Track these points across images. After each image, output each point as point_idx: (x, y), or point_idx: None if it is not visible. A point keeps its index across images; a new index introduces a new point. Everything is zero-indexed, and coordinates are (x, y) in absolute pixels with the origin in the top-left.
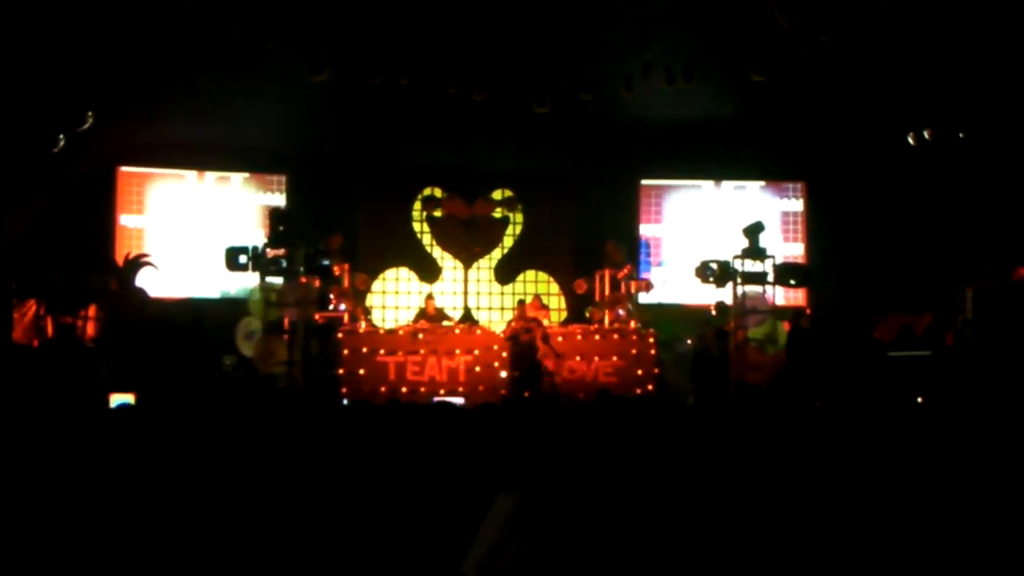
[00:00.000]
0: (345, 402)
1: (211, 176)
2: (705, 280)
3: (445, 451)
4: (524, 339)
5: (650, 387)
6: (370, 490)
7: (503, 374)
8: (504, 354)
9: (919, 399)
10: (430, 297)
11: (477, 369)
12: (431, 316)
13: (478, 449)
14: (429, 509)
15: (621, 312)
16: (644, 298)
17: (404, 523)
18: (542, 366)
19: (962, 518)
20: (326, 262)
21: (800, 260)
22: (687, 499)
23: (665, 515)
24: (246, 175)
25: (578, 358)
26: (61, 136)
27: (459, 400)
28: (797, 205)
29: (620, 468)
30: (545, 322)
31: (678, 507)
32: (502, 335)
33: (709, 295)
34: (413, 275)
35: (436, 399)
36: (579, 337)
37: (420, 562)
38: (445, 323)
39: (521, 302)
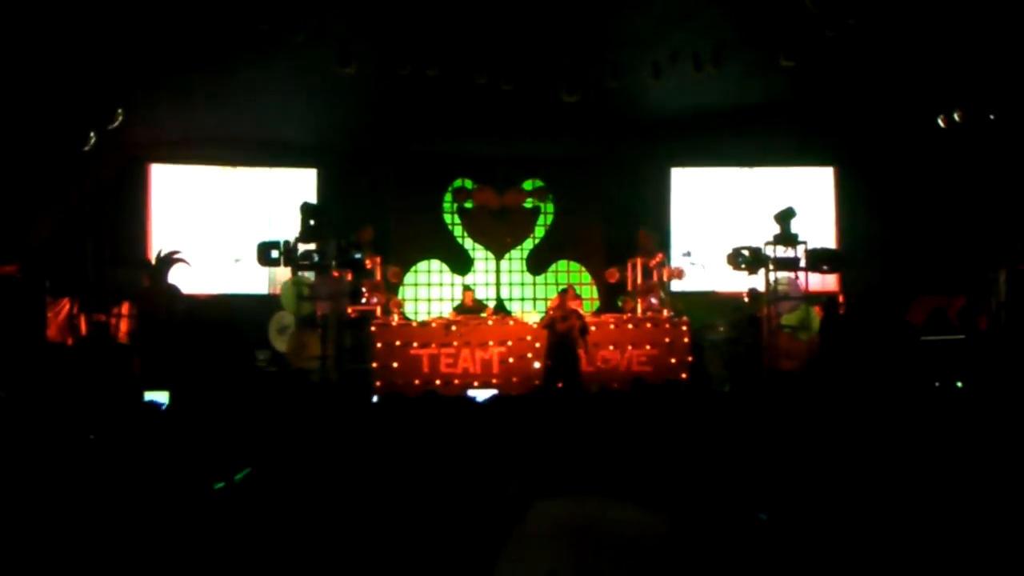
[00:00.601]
0: (375, 398)
1: (242, 171)
2: (737, 267)
3: (472, 445)
4: (561, 328)
5: (684, 375)
6: (398, 484)
7: (536, 365)
8: (537, 344)
9: (959, 383)
10: (468, 289)
11: (511, 360)
12: (469, 308)
13: (507, 443)
14: (455, 504)
15: (654, 300)
16: (676, 286)
17: (430, 518)
18: (576, 356)
19: (994, 502)
20: (358, 255)
21: (832, 246)
22: (719, 486)
23: (702, 504)
24: (277, 170)
25: (611, 347)
26: (92, 134)
27: (493, 392)
28: (829, 190)
29: (654, 457)
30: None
31: (712, 495)
32: (539, 324)
33: (741, 282)
34: (445, 267)
35: (470, 391)
36: (612, 326)
37: (445, 557)
38: (483, 315)
39: (563, 291)
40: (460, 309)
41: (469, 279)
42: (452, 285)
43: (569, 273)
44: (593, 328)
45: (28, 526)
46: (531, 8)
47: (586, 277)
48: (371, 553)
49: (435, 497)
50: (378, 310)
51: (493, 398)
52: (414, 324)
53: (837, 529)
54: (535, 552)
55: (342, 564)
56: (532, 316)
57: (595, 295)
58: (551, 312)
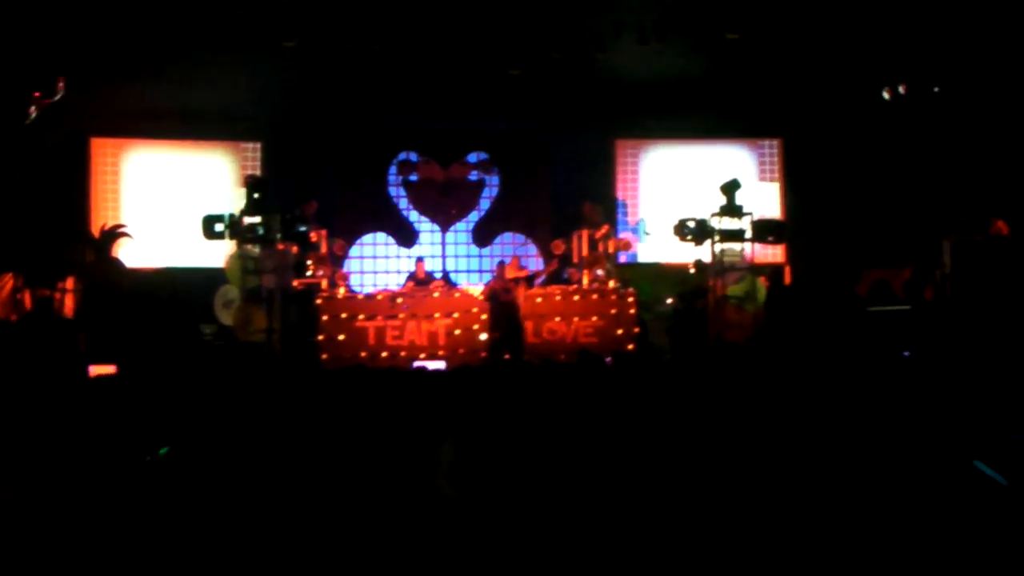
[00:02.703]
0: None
1: (185, 145)
2: (683, 238)
3: (418, 414)
4: (504, 299)
5: (630, 347)
6: (347, 454)
7: (483, 336)
8: (484, 316)
9: (905, 353)
10: (420, 260)
11: (457, 332)
12: (421, 280)
13: (454, 411)
14: (392, 467)
15: (600, 272)
16: (622, 258)
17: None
18: (521, 325)
19: (946, 469)
20: (303, 228)
21: (778, 217)
22: (662, 456)
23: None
24: (221, 143)
25: (558, 319)
26: (32, 107)
27: (440, 364)
28: (774, 161)
29: (594, 423)
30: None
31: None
32: (480, 296)
33: (687, 253)
34: (391, 239)
35: (416, 363)
36: (558, 298)
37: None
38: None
39: (501, 263)
40: (412, 279)
41: (415, 252)
42: (398, 258)
43: (515, 245)
44: (539, 299)
45: None
46: None
47: (531, 249)
48: (313, 521)
49: (374, 463)
50: (324, 283)
51: (436, 371)
52: (360, 297)
53: (782, 500)
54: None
55: (284, 533)
56: (478, 288)
57: (540, 267)
58: (492, 285)
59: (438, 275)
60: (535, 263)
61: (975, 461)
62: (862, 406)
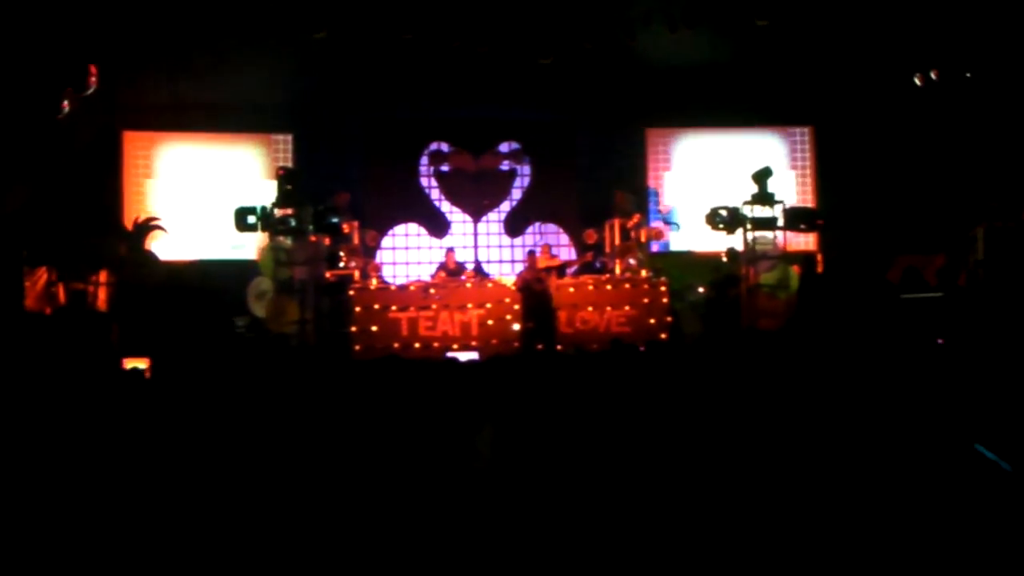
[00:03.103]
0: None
1: (217, 138)
2: (715, 227)
3: (453, 404)
4: (536, 289)
5: (663, 336)
6: (381, 444)
7: (516, 327)
8: (516, 307)
9: (939, 341)
10: (450, 251)
11: (490, 323)
12: (452, 270)
13: (488, 401)
14: (429, 457)
15: (632, 261)
16: (654, 246)
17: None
18: (555, 316)
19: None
20: (335, 220)
21: (809, 205)
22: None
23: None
24: (252, 135)
25: (590, 308)
26: (66, 101)
27: (473, 355)
28: (805, 149)
29: (628, 411)
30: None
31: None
32: (513, 286)
33: (720, 242)
34: (423, 230)
35: (449, 354)
36: (591, 287)
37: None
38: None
39: (531, 252)
40: (445, 271)
41: (447, 242)
42: (430, 248)
43: (547, 235)
44: (571, 289)
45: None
46: None
47: (564, 239)
48: (349, 512)
49: (408, 453)
50: (356, 274)
51: (470, 362)
52: (392, 288)
53: (816, 489)
54: None
55: (318, 523)
56: (510, 278)
57: (573, 256)
58: (524, 275)
59: (470, 266)
60: (566, 252)
61: (977, 445)
62: (894, 394)
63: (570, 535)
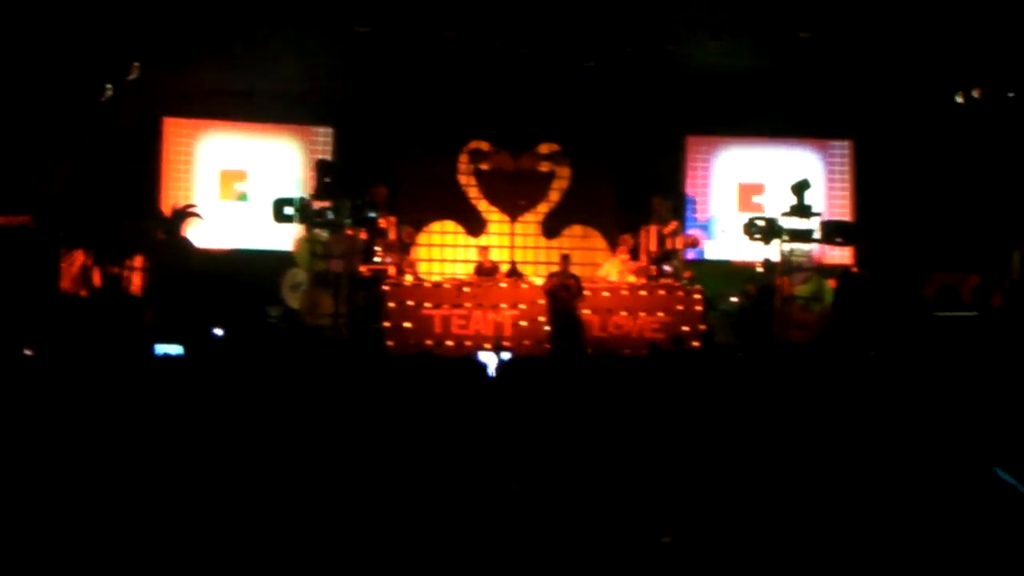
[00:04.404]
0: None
1: (257, 128)
2: (751, 237)
3: (483, 404)
4: (563, 295)
5: (696, 343)
6: (403, 446)
7: (548, 328)
8: None
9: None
10: (485, 249)
11: (523, 323)
12: (487, 269)
13: (516, 404)
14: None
15: (667, 268)
16: (690, 254)
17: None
18: (580, 322)
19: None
20: (372, 214)
21: (847, 218)
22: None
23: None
24: (292, 127)
25: (624, 313)
26: (108, 86)
27: (505, 355)
28: (844, 163)
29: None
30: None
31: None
32: (542, 289)
33: (755, 252)
34: (459, 228)
35: (481, 353)
36: (625, 292)
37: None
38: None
39: (565, 256)
40: (479, 270)
41: (483, 241)
42: (466, 247)
43: (584, 238)
44: (605, 293)
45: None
46: None
47: (600, 243)
48: (372, 507)
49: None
50: (391, 269)
51: (503, 362)
52: (427, 284)
53: (843, 502)
54: None
55: (342, 517)
56: (541, 279)
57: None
58: (554, 279)
59: (504, 266)
60: (601, 256)
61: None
62: (918, 411)
63: (596, 541)
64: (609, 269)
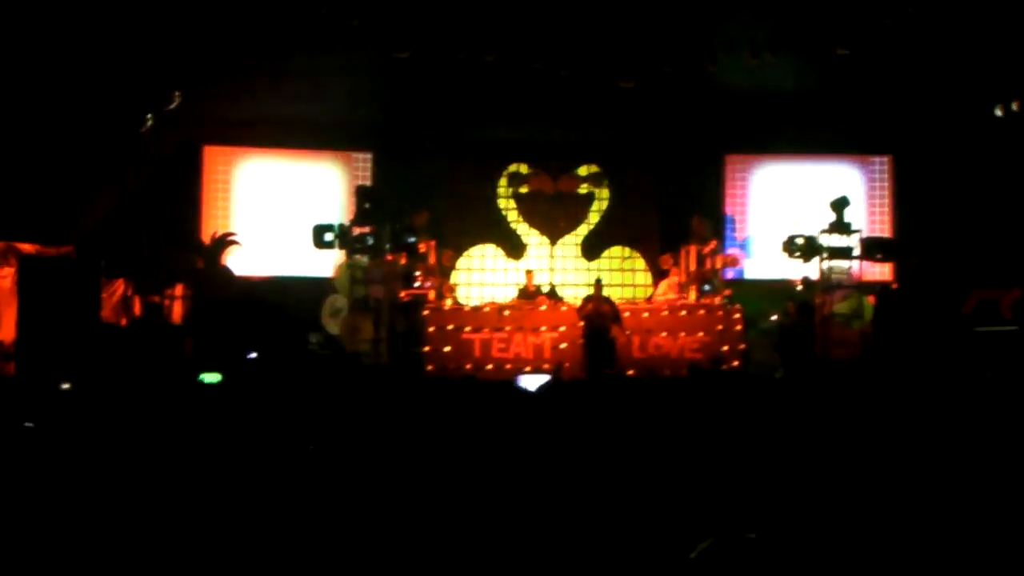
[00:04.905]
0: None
1: (297, 154)
2: (791, 255)
3: (522, 436)
4: (598, 321)
5: (736, 363)
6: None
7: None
8: None
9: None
10: (529, 273)
11: (563, 346)
12: (531, 293)
13: (558, 425)
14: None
15: (707, 288)
16: (729, 273)
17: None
18: (614, 347)
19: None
20: (412, 239)
21: (887, 235)
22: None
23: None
24: (332, 153)
25: (664, 334)
26: (148, 115)
27: (545, 377)
28: (884, 179)
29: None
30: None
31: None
32: (578, 312)
33: (795, 270)
34: (499, 252)
35: (520, 376)
36: (665, 313)
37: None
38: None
39: (598, 280)
40: (523, 294)
41: (523, 264)
42: (505, 270)
43: (623, 259)
44: (645, 314)
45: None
46: None
47: (640, 263)
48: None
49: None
50: (431, 294)
51: (546, 385)
52: (467, 308)
53: (885, 516)
54: None
55: (380, 543)
56: (578, 303)
57: (649, 282)
58: (589, 304)
59: (545, 288)
60: (643, 277)
61: None
62: (954, 427)
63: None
64: (665, 289)
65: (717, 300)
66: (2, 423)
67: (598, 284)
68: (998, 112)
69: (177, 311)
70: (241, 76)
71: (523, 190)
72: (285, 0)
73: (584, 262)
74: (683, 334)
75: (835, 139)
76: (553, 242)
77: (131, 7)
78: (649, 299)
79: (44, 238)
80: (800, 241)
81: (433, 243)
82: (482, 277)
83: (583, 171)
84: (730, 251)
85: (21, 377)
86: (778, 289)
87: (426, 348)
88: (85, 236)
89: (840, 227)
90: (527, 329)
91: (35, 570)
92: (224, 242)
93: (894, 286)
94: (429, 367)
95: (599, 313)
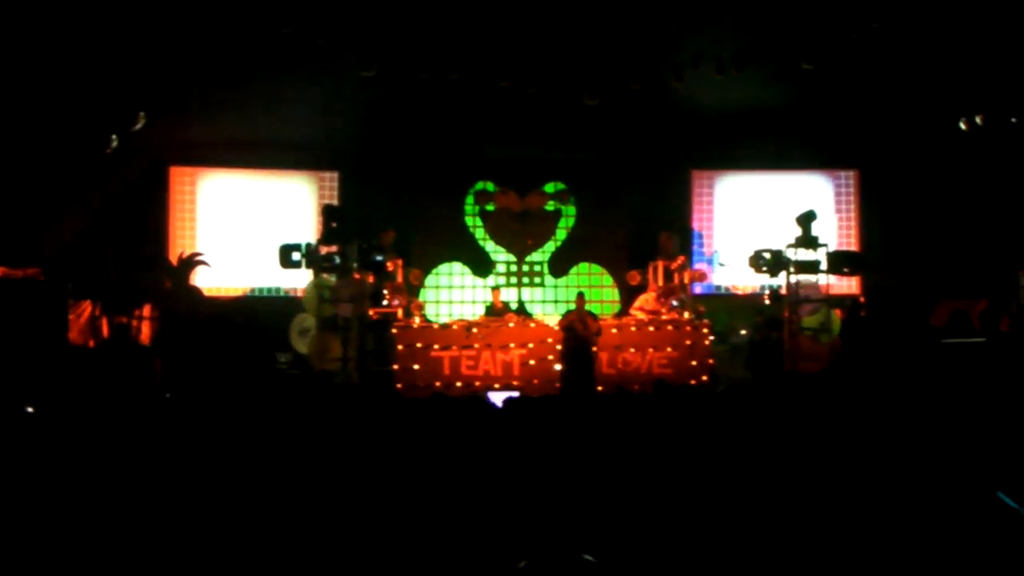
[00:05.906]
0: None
1: (264, 174)
2: (758, 269)
3: (489, 449)
4: (582, 333)
5: (704, 378)
6: (413, 487)
7: (558, 367)
8: (558, 347)
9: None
10: (496, 290)
11: (531, 362)
12: (498, 310)
13: (525, 449)
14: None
15: (675, 303)
16: (697, 288)
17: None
18: (593, 361)
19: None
20: (379, 258)
21: (854, 248)
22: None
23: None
24: (299, 172)
25: (632, 350)
26: (114, 136)
27: (514, 394)
28: (850, 192)
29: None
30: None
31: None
32: (557, 326)
33: (763, 283)
34: (467, 269)
35: (491, 394)
36: (633, 329)
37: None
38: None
39: (580, 295)
40: (490, 311)
41: (491, 282)
42: (473, 287)
43: (591, 276)
44: (614, 330)
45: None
46: (553, 12)
47: (608, 280)
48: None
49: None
50: (399, 312)
51: (511, 400)
52: (435, 326)
53: (849, 528)
54: None
55: (349, 562)
56: (553, 319)
57: (616, 298)
58: (571, 317)
59: (513, 305)
60: (610, 293)
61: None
62: (924, 437)
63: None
64: (644, 301)
65: (686, 315)
66: None
67: (580, 298)
68: (962, 125)
69: (145, 332)
70: (207, 97)
71: (490, 207)
72: (250, 21)
73: (552, 279)
74: (651, 349)
75: (802, 153)
76: (520, 259)
77: (96, 28)
78: (619, 314)
79: (10, 260)
80: (767, 255)
81: (400, 261)
82: (450, 295)
83: (550, 188)
84: (697, 266)
85: None
86: (747, 303)
87: (395, 366)
88: (52, 258)
89: (807, 241)
90: (495, 346)
91: None
92: (192, 262)
93: (862, 299)
94: (398, 385)
95: (582, 322)
